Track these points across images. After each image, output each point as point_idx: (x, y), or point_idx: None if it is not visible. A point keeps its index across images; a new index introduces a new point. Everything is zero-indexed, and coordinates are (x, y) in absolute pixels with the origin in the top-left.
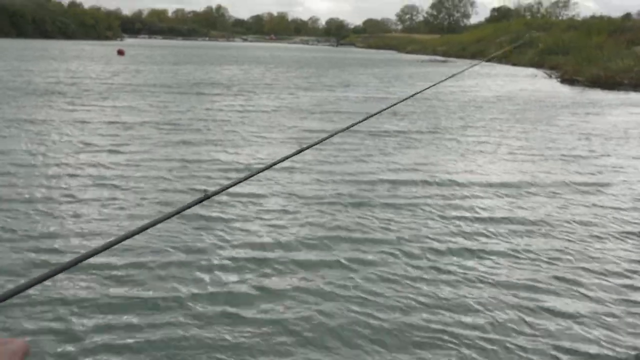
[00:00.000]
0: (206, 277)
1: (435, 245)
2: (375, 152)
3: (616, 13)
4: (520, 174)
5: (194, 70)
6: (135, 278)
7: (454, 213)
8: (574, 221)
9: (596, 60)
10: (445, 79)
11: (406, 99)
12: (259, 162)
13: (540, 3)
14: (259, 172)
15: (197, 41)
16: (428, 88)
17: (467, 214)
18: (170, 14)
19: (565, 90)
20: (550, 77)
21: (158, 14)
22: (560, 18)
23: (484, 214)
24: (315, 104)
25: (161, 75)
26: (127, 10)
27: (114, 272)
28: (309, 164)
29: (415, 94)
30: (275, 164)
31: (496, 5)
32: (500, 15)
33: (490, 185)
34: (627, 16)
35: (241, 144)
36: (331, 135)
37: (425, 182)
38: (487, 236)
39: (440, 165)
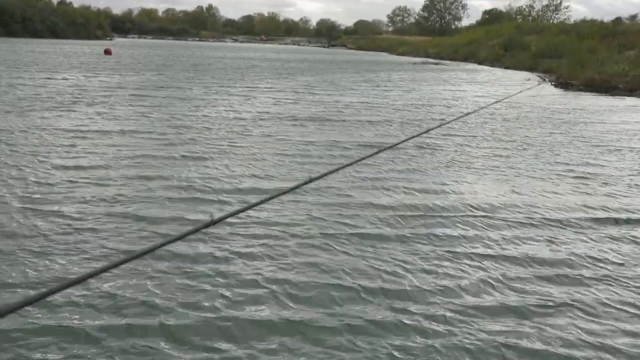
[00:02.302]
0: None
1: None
2: (368, 171)
3: (606, 17)
4: (515, 195)
5: (184, 72)
6: (121, 307)
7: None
8: (588, 258)
9: (590, 64)
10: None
11: (450, 121)
12: (265, 185)
13: (531, 6)
14: (269, 200)
15: (187, 41)
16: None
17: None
18: (160, 13)
19: (561, 94)
20: (544, 80)
21: (148, 14)
22: (551, 21)
23: (469, 246)
24: (318, 112)
25: (149, 78)
26: (117, 10)
27: (98, 301)
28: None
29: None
30: (289, 191)
31: (487, 7)
32: (491, 18)
33: (479, 209)
34: (618, 20)
35: (242, 162)
36: (350, 164)
37: (412, 205)
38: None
39: (430, 185)
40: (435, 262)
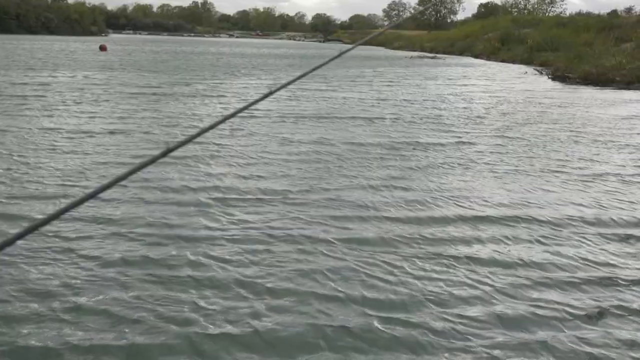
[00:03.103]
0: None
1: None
2: (348, 171)
3: (602, 9)
4: (511, 192)
5: (179, 69)
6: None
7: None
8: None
9: (587, 57)
10: None
11: None
12: (252, 184)
13: None
14: (221, 122)
15: (182, 37)
16: None
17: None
18: (155, 9)
19: (558, 87)
20: (541, 73)
21: (143, 9)
22: (547, 14)
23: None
24: (316, 109)
25: (145, 75)
26: (111, 5)
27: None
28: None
29: None
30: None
31: (483, 1)
32: (487, 11)
33: (474, 209)
34: (614, 13)
35: (227, 161)
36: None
37: (405, 204)
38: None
39: (423, 184)
40: (428, 267)
